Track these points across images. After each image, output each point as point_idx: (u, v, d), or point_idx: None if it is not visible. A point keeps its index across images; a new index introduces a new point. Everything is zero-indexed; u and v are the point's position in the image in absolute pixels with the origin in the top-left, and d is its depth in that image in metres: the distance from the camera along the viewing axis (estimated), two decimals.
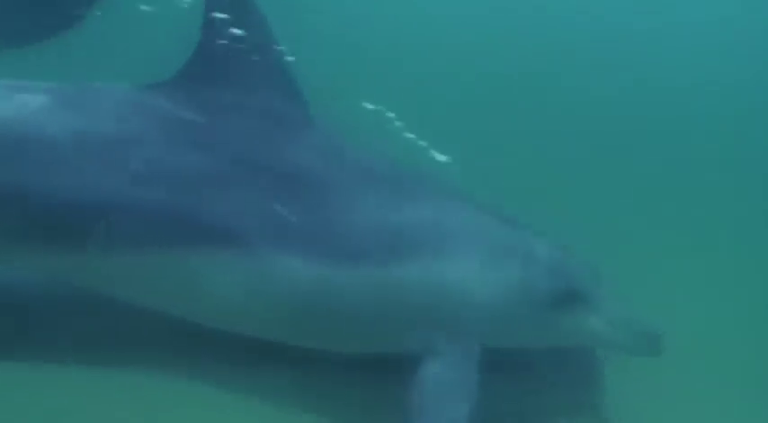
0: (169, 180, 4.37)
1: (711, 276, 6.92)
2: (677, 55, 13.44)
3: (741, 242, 7.54)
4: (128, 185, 4.33)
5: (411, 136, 5.99)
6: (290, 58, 4.91)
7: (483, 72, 11.24)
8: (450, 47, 11.93)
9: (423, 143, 5.90)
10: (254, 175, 4.48)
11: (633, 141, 10.10)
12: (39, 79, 4.75)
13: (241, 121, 4.66)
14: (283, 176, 4.53)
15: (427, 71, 10.92)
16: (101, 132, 4.42)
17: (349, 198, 4.63)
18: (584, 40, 13.38)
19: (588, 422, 5.35)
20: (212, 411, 4.94)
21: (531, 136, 9.48)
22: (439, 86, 10.42)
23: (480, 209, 5.02)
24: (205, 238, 4.37)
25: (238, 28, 4.68)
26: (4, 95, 4.50)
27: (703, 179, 9.29)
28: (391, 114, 6.56)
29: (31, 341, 5.05)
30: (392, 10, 13.13)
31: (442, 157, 5.98)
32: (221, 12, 4.66)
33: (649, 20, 14.62)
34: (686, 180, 9.20)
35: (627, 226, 7.57)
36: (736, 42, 14.17)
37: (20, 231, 4.38)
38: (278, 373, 5.11)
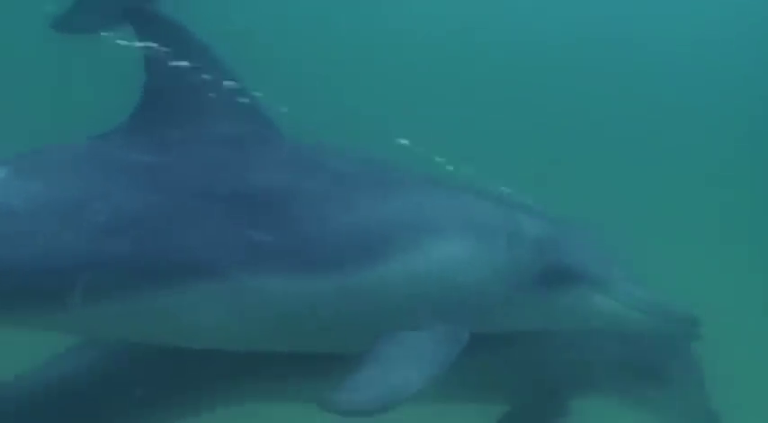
0: (137, 226, 4.38)
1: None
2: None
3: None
4: (97, 239, 4.34)
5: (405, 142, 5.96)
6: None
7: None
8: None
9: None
10: (221, 203, 4.49)
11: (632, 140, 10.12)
12: None
13: (200, 152, 4.65)
14: (249, 199, 4.53)
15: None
16: (61, 193, 4.44)
17: (319, 207, 4.59)
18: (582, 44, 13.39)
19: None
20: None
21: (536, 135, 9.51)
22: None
23: (460, 191, 4.96)
24: (182, 276, 4.38)
25: (180, 60, 4.64)
26: None
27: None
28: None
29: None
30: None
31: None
32: (159, 46, 4.63)
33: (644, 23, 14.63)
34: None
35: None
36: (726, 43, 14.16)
37: None
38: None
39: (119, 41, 4.97)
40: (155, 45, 4.61)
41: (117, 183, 4.45)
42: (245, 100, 4.75)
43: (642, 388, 5.40)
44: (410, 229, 4.66)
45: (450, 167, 5.84)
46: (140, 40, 4.64)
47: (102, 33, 5.41)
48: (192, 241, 4.38)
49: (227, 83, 4.67)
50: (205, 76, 4.64)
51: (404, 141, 5.95)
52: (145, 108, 4.66)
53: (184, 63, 4.61)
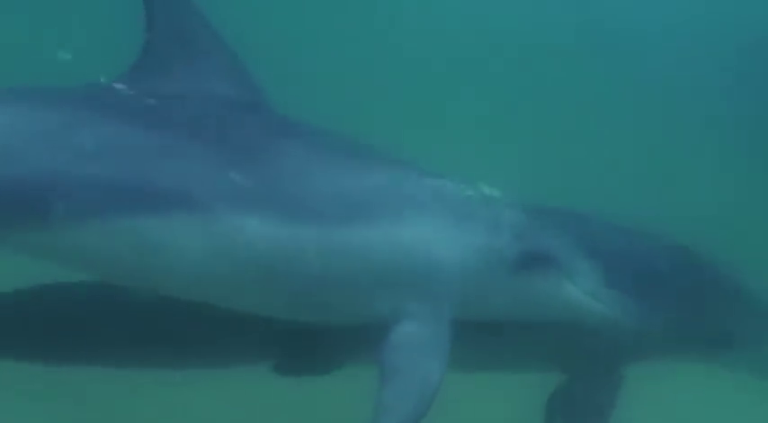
0: (123, 153, 4.63)
1: None
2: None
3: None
4: (83, 161, 4.59)
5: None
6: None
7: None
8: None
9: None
10: (208, 146, 4.71)
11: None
12: None
13: (194, 104, 4.91)
14: (236, 147, 4.75)
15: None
16: (53, 118, 4.71)
17: (306, 165, 4.77)
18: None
19: None
20: None
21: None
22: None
23: (441, 176, 5.12)
24: (163, 202, 4.58)
25: (181, 27, 4.98)
26: None
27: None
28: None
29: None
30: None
31: None
32: (162, 12, 4.94)
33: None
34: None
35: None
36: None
37: None
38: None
39: None
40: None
41: (108, 116, 4.72)
42: (239, 68, 5.03)
43: (715, 351, 5.46)
44: (394, 199, 4.84)
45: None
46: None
47: None
48: (176, 171, 4.59)
49: (224, 51, 5.01)
50: (205, 42, 4.97)
51: None
52: (144, 62, 4.94)
53: (184, 29, 4.95)
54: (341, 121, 5.27)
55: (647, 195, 8.59)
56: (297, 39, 10.86)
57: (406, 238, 4.79)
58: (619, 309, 5.00)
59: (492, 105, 10.33)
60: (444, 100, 10.26)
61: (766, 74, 12.30)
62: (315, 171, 4.76)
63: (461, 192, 5.06)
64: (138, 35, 5.02)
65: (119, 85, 4.92)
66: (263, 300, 4.85)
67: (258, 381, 5.32)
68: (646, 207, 7.05)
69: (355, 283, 4.77)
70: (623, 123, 10.74)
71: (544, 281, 4.97)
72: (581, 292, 5.00)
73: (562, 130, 10.13)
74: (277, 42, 9.81)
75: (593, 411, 5.24)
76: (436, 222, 4.87)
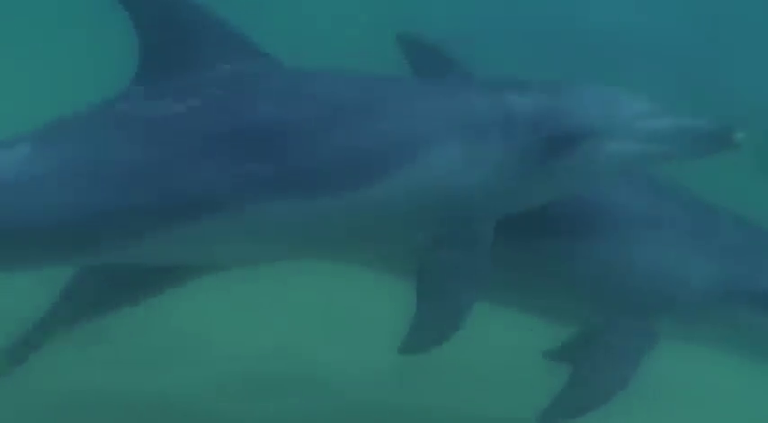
0: (153, 173, 4.62)
1: None
2: None
3: None
4: (123, 189, 4.60)
5: None
6: None
7: None
8: None
9: None
10: (224, 141, 4.68)
11: None
12: None
13: (202, 95, 4.81)
14: (249, 133, 4.70)
15: None
16: (87, 152, 4.68)
17: (314, 132, 4.72)
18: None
19: None
20: None
21: None
22: None
23: (443, 91, 4.97)
24: (197, 211, 4.63)
25: (168, 17, 4.88)
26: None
27: None
28: None
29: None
30: None
31: None
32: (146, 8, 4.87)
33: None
34: None
35: None
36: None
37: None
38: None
39: None
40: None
41: (130, 135, 4.70)
42: (236, 38, 4.94)
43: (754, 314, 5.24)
44: (407, 144, 4.73)
45: None
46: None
47: None
48: (198, 178, 4.60)
49: (215, 24, 4.93)
50: (194, 21, 4.90)
51: None
52: (144, 66, 4.86)
53: (171, 13, 4.86)
54: None
55: None
56: None
57: (426, 181, 4.72)
58: (681, 138, 4.75)
59: None
60: None
61: None
62: (323, 138, 4.71)
63: (468, 103, 4.86)
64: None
65: (128, 97, 4.87)
66: (305, 256, 5.01)
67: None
68: None
69: (383, 231, 4.82)
70: None
71: (580, 155, 4.77)
72: (633, 143, 4.77)
73: None
74: None
75: (614, 363, 5.16)
76: (450, 152, 4.74)
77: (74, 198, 4.56)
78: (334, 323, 7.10)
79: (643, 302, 5.14)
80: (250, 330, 6.85)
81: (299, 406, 6.02)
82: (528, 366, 5.83)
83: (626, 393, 5.06)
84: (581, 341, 5.44)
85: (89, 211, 4.56)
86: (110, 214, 4.56)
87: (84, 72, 9.55)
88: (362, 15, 14.27)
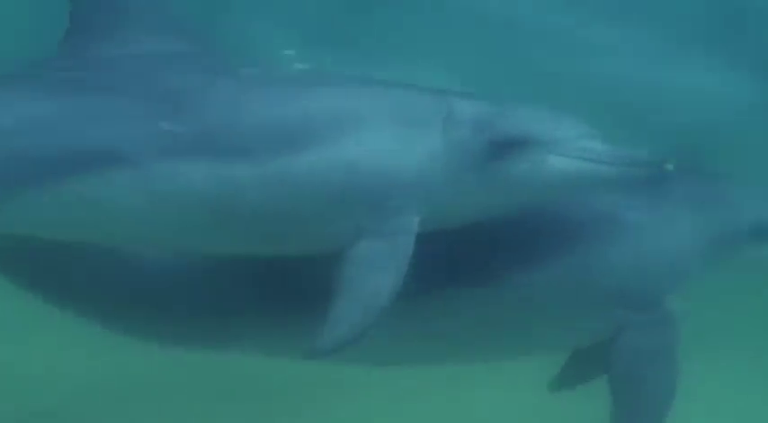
0: (58, 123, 4.69)
1: None
2: None
3: None
4: (22, 135, 4.67)
5: None
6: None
7: None
8: None
9: None
10: (138, 101, 4.70)
11: None
12: None
13: (123, 63, 4.91)
14: (166, 95, 4.72)
15: None
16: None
17: (237, 101, 4.71)
18: None
19: None
20: None
21: None
22: None
23: (388, 85, 4.96)
24: (100, 164, 4.63)
25: None
26: None
27: None
28: None
29: None
30: None
31: None
32: None
33: None
34: None
35: None
36: None
37: None
38: None
39: None
40: None
41: (40, 90, 4.80)
42: (170, 18, 5.02)
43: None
44: (336, 118, 4.68)
45: None
46: None
47: None
48: (108, 133, 4.61)
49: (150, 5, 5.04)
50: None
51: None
52: (72, 32, 4.97)
53: None
54: None
55: None
56: None
57: (348, 155, 4.62)
58: (617, 161, 4.77)
59: None
60: None
61: None
62: (246, 105, 4.69)
63: (411, 96, 4.86)
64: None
65: (53, 60, 4.99)
66: (217, 238, 4.80)
67: None
68: None
69: (302, 210, 4.66)
70: None
71: (523, 162, 4.73)
72: (572, 159, 4.75)
73: None
74: None
75: (655, 368, 5.02)
76: (386, 134, 4.68)
77: None
78: None
79: (656, 291, 5.02)
80: None
81: None
82: None
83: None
84: (575, 363, 5.37)
85: None
86: (12, 161, 4.59)
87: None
88: None
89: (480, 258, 4.99)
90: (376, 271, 4.65)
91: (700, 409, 5.68)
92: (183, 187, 4.59)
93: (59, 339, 5.79)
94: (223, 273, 5.08)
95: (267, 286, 5.04)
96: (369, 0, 11.38)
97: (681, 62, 13.41)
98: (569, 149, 4.75)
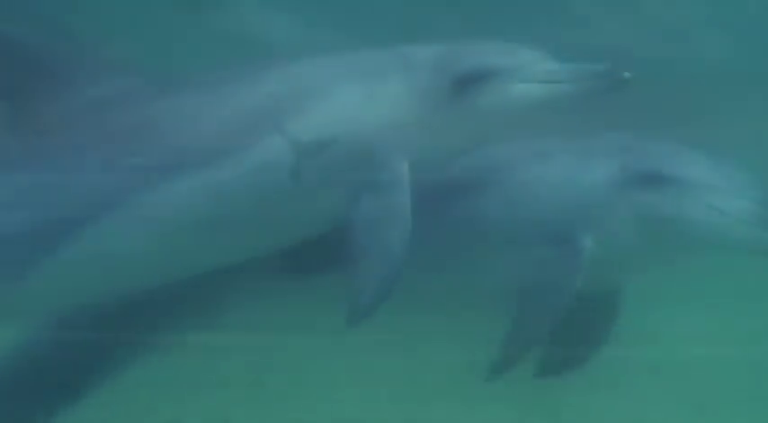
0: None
1: None
2: None
3: None
4: None
5: None
6: None
7: None
8: None
9: None
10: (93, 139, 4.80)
11: None
12: None
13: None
14: (113, 130, 4.82)
15: None
16: None
17: (175, 108, 4.85)
18: None
19: None
20: None
21: None
22: None
23: (345, 52, 5.10)
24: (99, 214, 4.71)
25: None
26: None
27: None
28: None
29: None
30: None
31: None
32: None
33: None
34: None
35: None
36: None
37: None
38: None
39: None
40: None
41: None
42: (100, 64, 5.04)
43: None
44: (296, 96, 4.83)
45: None
46: None
47: None
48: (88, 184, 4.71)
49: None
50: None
51: None
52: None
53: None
54: None
55: None
56: None
57: (320, 126, 4.79)
58: (577, 78, 4.98)
59: None
60: None
61: None
62: (205, 110, 4.84)
63: (362, 57, 5.06)
64: None
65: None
66: (221, 245, 4.90)
67: None
68: None
69: (287, 192, 4.79)
70: None
71: (487, 94, 4.93)
72: (535, 83, 4.97)
73: None
74: None
75: (545, 295, 5.19)
76: (345, 97, 4.87)
77: None
78: None
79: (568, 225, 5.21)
80: None
81: None
82: None
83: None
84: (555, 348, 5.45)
85: None
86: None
87: None
88: None
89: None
90: (383, 227, 4.78)
91: None
92: (181, 208, 4.70)
93: None
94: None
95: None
96: None
97: None
98: (530, 74, 4.92)
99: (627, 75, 4.88)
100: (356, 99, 4.85)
